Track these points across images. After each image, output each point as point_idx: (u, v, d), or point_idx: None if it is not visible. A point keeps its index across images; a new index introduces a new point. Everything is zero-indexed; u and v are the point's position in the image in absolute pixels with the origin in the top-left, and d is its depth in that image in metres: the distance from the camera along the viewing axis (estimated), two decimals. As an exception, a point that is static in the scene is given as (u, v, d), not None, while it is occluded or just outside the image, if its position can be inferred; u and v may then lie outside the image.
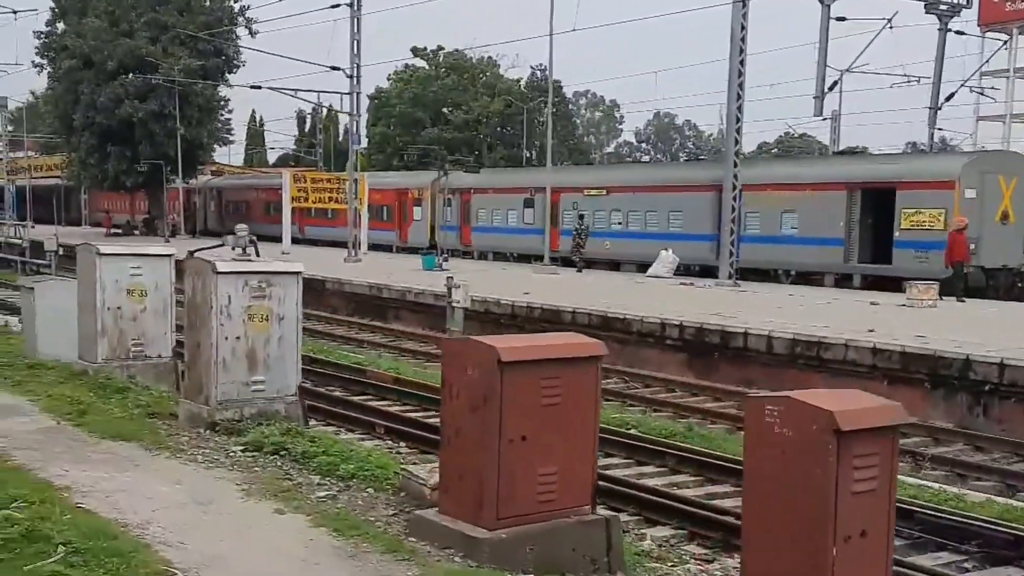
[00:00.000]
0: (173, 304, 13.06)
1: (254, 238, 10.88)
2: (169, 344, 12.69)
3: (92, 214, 62.30)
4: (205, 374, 9.69)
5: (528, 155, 69.72)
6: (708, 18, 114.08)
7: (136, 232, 52.75)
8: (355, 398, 14.60)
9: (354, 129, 32.98)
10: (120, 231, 52.28)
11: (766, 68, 66.01)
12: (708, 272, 29.59)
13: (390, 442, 12.14)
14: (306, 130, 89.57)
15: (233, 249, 10.32)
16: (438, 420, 7.06)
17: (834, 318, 18.24)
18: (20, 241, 35.22)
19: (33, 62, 51.56)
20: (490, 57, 73.00)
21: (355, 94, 32.92)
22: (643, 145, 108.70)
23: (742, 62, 24.32)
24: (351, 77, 32.77)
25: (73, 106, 48.52)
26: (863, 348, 15.35)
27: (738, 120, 24.57)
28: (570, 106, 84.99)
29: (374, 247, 44.34)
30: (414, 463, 9.13)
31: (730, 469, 10.06)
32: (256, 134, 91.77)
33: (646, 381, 17.38)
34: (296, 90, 32.25)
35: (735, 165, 24.64)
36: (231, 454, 8.43)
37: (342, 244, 41.53)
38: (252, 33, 49.93)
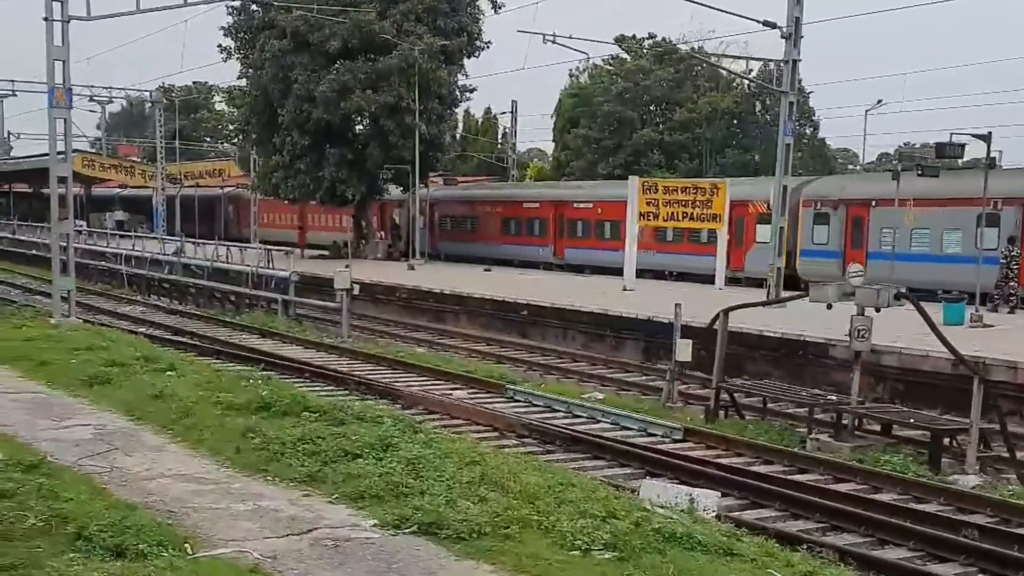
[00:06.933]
0: None
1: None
2: None
3: (260, 230, 52.73)
4: None
5: (756, 159, 58.99)
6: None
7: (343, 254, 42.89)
8: None
9: (786, 114, 22.48)
10: (328, 253, 42.38)
11: None
12: None
13: None
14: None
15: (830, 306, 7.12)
16: None
17: None
18: (285, 272, 25.24)
19: (220, 45, 41.95)
20: (701, 47, 62.35)
21: (791, 61, 22.56)
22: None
23: None
24: (787, 37, 22.42)
25: (281, 98, 38.75)
26: None
27: None
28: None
29: (685, 276, 34.01)
30: None
31: None
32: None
33: None
34: (720, 56, 21.86)
35: None
36: None
37: (609, 271, 33.67)
38: (496, 7, 40.02)
